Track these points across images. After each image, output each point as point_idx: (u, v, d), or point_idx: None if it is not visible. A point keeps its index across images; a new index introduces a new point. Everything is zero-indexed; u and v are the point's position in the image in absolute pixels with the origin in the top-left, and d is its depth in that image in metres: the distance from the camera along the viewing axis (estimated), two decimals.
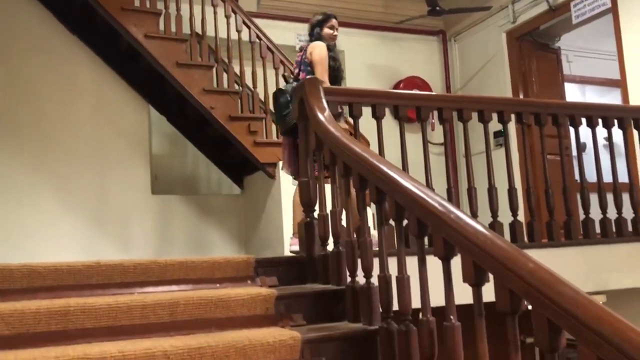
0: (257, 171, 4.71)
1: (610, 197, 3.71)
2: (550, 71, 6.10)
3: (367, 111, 3.04)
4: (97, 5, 4.32)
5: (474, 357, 1.72)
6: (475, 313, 1.69)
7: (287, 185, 4.27)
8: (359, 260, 2.36)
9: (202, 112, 4.46)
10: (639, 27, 4.88)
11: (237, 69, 4.66)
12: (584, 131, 3.73)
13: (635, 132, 3.91)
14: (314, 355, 2.10)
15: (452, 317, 1.84)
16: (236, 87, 4.66)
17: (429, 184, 3.14)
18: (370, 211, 3.41)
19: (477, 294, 1.71)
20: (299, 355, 2.07)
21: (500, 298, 1.59)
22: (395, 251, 2.15)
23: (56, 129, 4.70)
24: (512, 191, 3.37)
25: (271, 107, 4.17)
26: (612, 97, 6.95)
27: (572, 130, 3.71)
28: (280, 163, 4.48)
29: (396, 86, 6.45)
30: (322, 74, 3.54)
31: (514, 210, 3.36)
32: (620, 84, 5.15)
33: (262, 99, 4.74)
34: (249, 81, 4.70)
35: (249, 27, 4.70)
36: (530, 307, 1.51)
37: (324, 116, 2.61)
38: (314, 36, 3.79)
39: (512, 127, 3.73)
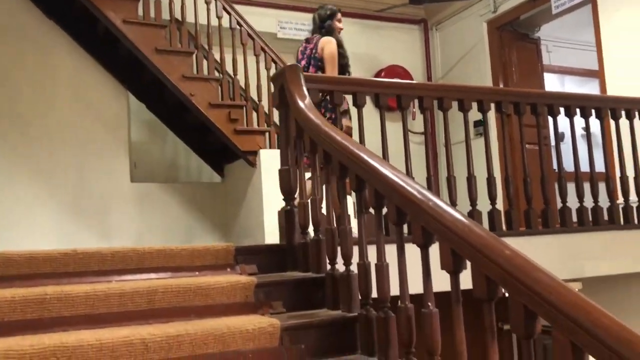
0: (237, 159, 4.69)
1: (587, 186, 3.76)
2: (530, 61, 6.15)
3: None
4: None
5: (451, 343, 1.74)
6: (453, 300, 1.71)
7: (267, 174, 4.26)
8: (339, 248, 2.37)
9: (182, 99, 4.41)
10: (617, 18, 4.93)
11: (217, 56, 4.61)
12: (564, 122, 3.77)
13: (612, 122, 3.96)
14: (294, 342, 2.10)
15: (430, 304, 1.85)
16: (216, 74, 4.62)
17: (409, 173, 3.16)
18: (351, 199, 3.42)
19: (455, 281, 1.72)
20: (279, 343, 2.08)
21: (477, 285, 1.60)
22: (374, 239, 2.16)
23: (32, 116, 4.62)
24: (490, 180, 3.40)
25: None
26: (590, 88, 7.02)
27: (551, 120, 3.75)
28: (261, 151, 4.48)
29: (377, 75, 6.45)
30: (332, 72, 3.63)
31: (492, 198, 3.39)
32: (598, 74, 5.21)
33: (243, 86, 4.70)
34: (229, 68, 4.65)
35: (229, 13, 4.65)
36: (507, 294, 1.53)
37: (304, 103, 2.60)
38: (324, 29, 3.85)
39: (492, 116, 3.75)
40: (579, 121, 3.80)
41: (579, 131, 3.89)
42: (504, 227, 3.42)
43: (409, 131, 3.33)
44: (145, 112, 5.10)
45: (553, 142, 3.88)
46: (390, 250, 2.07)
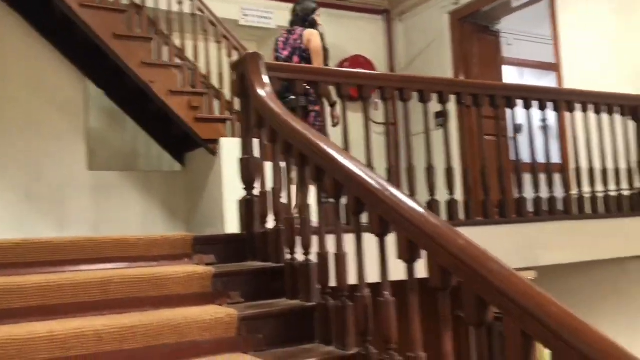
0: (198, 148, 4.63)
1: (544, 178, 3.85)
2: (490, 53, 6.23)
3: None
4: None
5: (407, 331, 1.76)
6: (409, 288, 1.73)
7: (228, 162, 4.22)
8: (299, 238, 2.37)
9: (142, 86, 4.32)
10: (574, 12, 5.04)
11: (178, 43, 4.53)
12: (524, 114, 3.84)
13: (567, 115, 4.06)
14: (252, 332, 2.10)
15: (386, 292, 1.87)
16: (177, 61, 4.54)
17: (370, 163, 3.17)
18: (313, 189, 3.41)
19: (411, 270, 1.74)
20: (236, 333, 2.07)
21: (432, 274, 1.62)
22: (334, 229, 2.16)
23: None
24: (449, 170, 3.45)
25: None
26: (548, 81, 7.17)
27: (509, 112, 3.81)
28: (222, 139, 4.43)
29: (341, 65, 6.43)
30: (320, 64, 3.87)
31: (451, 189, 3.44)
32: (556, 67, 5.31)
33: (204, 73, 4.63)
34: (190, 55, 4.58)
35: None
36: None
37: (265, 92, 2.58)
38: (307, 22, 4.09)
39: (454, 108, 3.79)
40: (537, 113, 3.88)
41: (538, 123, 3.96)
42: (462, 217, 3.47)
43: (372, 121, 3.34)
44: (105, 99, 4.99)
45: (511, 134, 3.95)
46: (350, 240, 2.08)
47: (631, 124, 4.29)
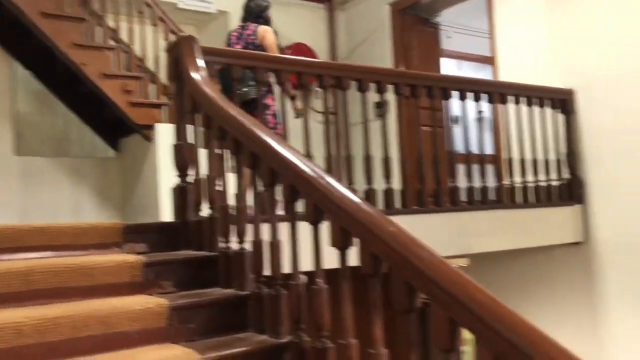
0: (133, 133, 4.49)
1: (477, 168, 3.95)
2: (429, 46, 6.31)
3: None
4: None
5: (339, 318, 1.76)
6: (341, 276, 1.73)
7: (164, 149, 4.11)
8: (233, 227, 2.33)
9: (73, 69, 4.14)
10: (510, 6, 5.16)
11: (112, 25, 4.37)
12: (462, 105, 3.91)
13: (500, 106, 4.17)
14: (183, 322, 2.05)
15: (319, 280, 1.87)
16: (111, 43, 4.37)
17: (309, 152, 3.15)
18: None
19: (343, 258, 1.74)
20: (167, 323, 2.02)
21: (364, 261, 1.63)
22: (269, 217, 2.14)
23: None
24: (386, 160, 3.48)
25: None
26: (485, 74, 7.34)
27: (444, 103, 3.88)
28: (157, 125, 4.31)
29: (283, 52, 6.38)
30: None
31: (388, 178, 3.47)
32: (492, 60, 5.44)
33: (140, 57, 4.49)
34: (125, 38, 4.42)
35: None
36: None
37: (199, 76, 2.52)
38: (262, 18, 4.23)
39: (393, 99, 3.83)
40: (473, 105, 3.97)
41: (474, 115, 4.05)
42: (398, 206, 3.52)
43: (313, 110, 3.33)
44: (35, 82, 4.76)
45: (448, 125, 4.03)
46: (284, 228, 2.06)
47: (561, 117, 4.45)
